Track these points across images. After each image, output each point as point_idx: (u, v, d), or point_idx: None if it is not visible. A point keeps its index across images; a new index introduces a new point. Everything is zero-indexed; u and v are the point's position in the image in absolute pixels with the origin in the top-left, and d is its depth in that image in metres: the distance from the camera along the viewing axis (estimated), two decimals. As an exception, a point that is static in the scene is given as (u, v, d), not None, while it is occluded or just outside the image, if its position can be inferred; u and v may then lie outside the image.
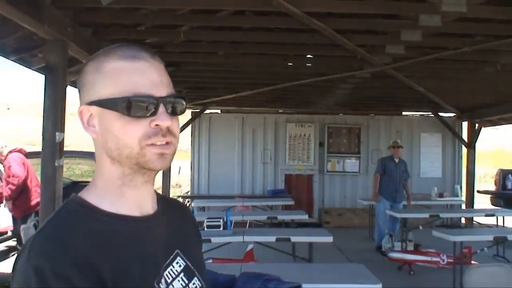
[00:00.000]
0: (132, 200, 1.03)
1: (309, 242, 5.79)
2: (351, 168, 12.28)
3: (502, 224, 9.63)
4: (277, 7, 4.63)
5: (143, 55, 1.01)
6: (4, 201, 6.33)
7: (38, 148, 5.95)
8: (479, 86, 8.73)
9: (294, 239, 5.92)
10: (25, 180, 6.35)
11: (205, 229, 5.54)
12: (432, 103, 10.20)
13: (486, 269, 3.83)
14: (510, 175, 13.02)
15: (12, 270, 0.91)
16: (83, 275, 0.87)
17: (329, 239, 5.72)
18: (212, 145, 12.12)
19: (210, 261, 5.30)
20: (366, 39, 6.13)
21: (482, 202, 13.55)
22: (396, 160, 8.96)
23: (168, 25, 5.93)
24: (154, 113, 0.97)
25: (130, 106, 0.96)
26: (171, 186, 11.64)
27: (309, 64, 7.70)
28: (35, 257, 0.87)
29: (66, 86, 4.62)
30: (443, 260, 6.97)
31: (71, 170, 9.72)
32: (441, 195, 11.16)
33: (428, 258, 7.17)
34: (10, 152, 6.49)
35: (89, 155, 8.63)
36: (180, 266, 1.06)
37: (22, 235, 6.18)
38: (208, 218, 5.75)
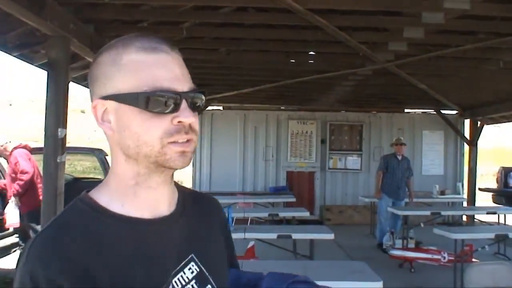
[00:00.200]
0: (144, 201, 0.98)
1: (310, 239, 5.79)
2: (352, 165, 12.28)
3: (503, 222, 9.62)
4: (280, 3, 4.62)
5: (163, 47, 0.95)
6: (12, 197, 6.34)
7: (40, 144, 5.97)
8: (481, 83, 8.71)
9: (295, 236, 5.92)
10: (32, 177, 6.38)
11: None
12: (434, 100, 10.19)
13: (486, 267, 3.83)
14: (511, 173, 13.00)
15: (16, 267, 0.92)
16: (78, 283, 0.85)
17: (331, 236, 5.72)
18: (214, 142, 12.12)
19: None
20: (368, 36, 6.12)
21: (484, 199, 13.54)
22: (399, 158, 8.96)
23: (170, 22, 5.93)
24: (176, 109, 0.92)
25: (151, 101, 0.90)
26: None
27: (311, 61, 7.69)
28: (32, 261, 0.86)
29: (69, 82, 4.63)
30: (444, 258, 6.97)
31: (73, 166, 9.73)
32: (442, 193, 11.16)
33: (429, 256, 7.17)
34: (15, 148, 6.50)
35: (91, 152, 8.64)
36: (192, 272, 1.00)
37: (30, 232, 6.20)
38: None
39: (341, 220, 11.75)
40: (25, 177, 6.27)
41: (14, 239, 6.72)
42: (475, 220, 11.12)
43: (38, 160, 6.24)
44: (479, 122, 12.13)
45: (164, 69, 0.93)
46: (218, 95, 10.10)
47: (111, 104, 0.94)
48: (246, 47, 6.77)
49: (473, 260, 6.54)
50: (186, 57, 1.00)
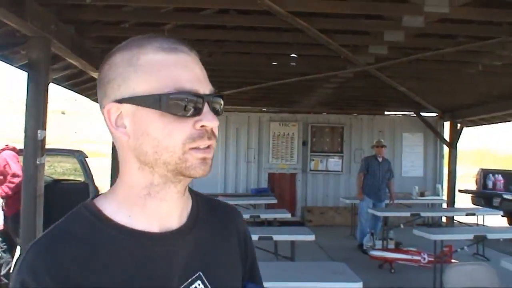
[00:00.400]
0: (154, 213, 0.91)
1: (291, 240, 5.81)
2: (333, 167, 12.35)
3: (482, 223, 9.76)
4: (261, 6, 4.64)
5: (182, 47, 0.90)
6: (0, 199, 6.26)
7: (19, 146, 5.90)
8: (461, 86, 8.83)
9: (276, 237, 5.94)
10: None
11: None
12: (414, 103, 10.30)
13: (465, 268, 3.89)
14: (490, 175, 13.18)
15: (12, 271, 0.89)
16: None
17: (311, 237, 5.75)
18: (195, 144, 12.07)
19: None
20: (350, 39, 6.17)
21: (464, 201, 13.71)
22: (380, 160, 9.04)
23: (152, 23, 5.91)
24: (198, 113, 0.86)
25: (173, 103, 0.84)
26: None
27: (293, 63, 7.73)
28: (24, 271, 0.83)
29: (49, 83, 4.59)
30: (424, 259, 7.04)
31: (53, 168, 9.63)
32: (422, 194, 11.29)
33: (409, 257, 7.24)
34: (3, 149, 6.42)
35: (71, 153, 8.55)
36: None
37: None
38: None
39: (322, 222, 11.80)
40: (16, 180, 6.18)
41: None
42: (454, 221, 11.28)
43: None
44: (458, 125, 12.28)
45: (185, 69, 0.88)
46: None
47: (127, 107, 0.88)
48: (228, 49, 6.78)
49: (453, 261, 6.61)
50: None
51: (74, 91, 8.86)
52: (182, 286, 0.91)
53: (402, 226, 9.23)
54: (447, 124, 12.68)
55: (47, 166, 6.40)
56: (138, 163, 0.89)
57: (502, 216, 10.52)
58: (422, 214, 9.34)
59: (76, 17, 5.29)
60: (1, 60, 6.00)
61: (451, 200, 12.00)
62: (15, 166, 6.28)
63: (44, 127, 4.41)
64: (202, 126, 0.86)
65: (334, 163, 12.34)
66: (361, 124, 12.58)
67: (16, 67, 6.26)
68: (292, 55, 7.30)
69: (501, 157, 31.08)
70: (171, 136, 0.85)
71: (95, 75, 6.77)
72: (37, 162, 4.33)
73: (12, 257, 6.26)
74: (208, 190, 11.40)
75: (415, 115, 12.43)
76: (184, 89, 0.85)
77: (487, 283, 3.67)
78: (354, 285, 3.68)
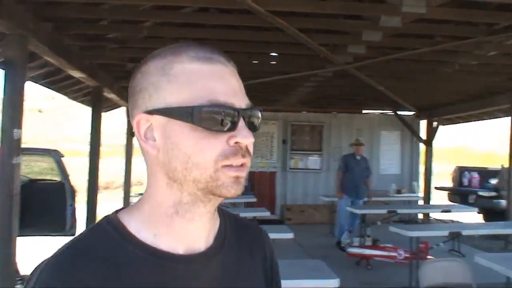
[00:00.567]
0: (180, 234, 0.86)
1: (271, 239, 5.84)
2: (313, 165, 12.43)
3: (457, 220, 9.92)
4: (241, 5, 4.65)
5: (219, 57, 0.85)
6: None
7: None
8: (437, 85, 8.95)
9: (256, 235, 5.96)
10: None
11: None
12: (391, 101, 10.40)
13: (439, 264, 3.96)
14: (466, 172, 13.40)
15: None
16: None
17: (290, 235, 5.79)
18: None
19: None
20: (329, 38, 6.21)
21: (440, 198, 13.92)
22: (358, 158, 9.13)
23: (131, 21, 5.88)
24: (233, 128, 0.80)
25: (207, 117, 0.79)
26: (132, 183, 11.52)
27: (273, 62, 7.75)
28: None
29: (25, 82, 4.54)
30: (400, 255, 7.13)
31: (30, 167, 9.51)
32: (399, 192, 11.44)
33: (386, 253, 7.33)
34: None
35: (47, 153, 8.44)
36: None
37: None
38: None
39: (302, 220, 11.87)
40: None
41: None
42: (430, 218, 11.44)
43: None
44: (435, 123, 12.45)
45: (221, 81, 0.82)
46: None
47: (158, 119, 0.82)
48: (208, 48, 6.75)
49: (429, 257, 6.71)
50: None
51: (52, 89, 8.76)
52: None
53: (379, 223, 9.35)
54: (423, 123, 12.85)
55: (24, 165, 6.33)
56: (166, 179, 0.84)
57: (478, 212, 10.73)
58: (399, 211, 9.47)
59: (55, 15, 5.23)
60: (-23, 58, 5.90)
61: (427, 197, 12.17)
62: None
63: (20, 126, 4.36)
64: (236, 142, 0.81)
65: (313, 161, 12.42)
66: (340, 122, 12.69)
67: (-8, 64, 6.17)
68: (273, 54, 7.32)
69: (478, 154, 31.58)
70: (202, 152, 0.80)
71: (73, 73, 6.71)
72: (13, 162, 4.28)
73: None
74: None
75: (393, 113, 12.56)
76: (218, 102, 0.80)
77: (460, 278, 3.75)
78: (331, 282, 3.72)
